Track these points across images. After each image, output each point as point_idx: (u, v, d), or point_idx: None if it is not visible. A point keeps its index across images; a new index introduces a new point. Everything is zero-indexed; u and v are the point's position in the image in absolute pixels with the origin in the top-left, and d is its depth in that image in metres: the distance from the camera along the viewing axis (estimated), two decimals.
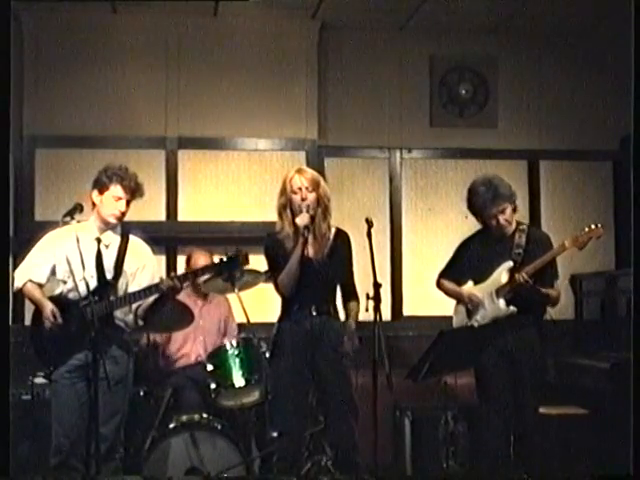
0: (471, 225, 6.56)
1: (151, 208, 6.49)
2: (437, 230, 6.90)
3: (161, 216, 6.55)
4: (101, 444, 4.17)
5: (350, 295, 4.59)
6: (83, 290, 4.21)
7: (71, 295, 4.34)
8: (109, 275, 4.35)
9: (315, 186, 4.48)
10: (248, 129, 6.66)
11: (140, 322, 4.48)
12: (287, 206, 4.48)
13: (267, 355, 5.04)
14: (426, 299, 6.72)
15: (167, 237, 6.40)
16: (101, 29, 6.49)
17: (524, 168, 6.96)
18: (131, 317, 4.44)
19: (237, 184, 6.65)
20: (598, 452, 5.29)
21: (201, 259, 5.77)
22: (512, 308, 4.77)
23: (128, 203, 4.41)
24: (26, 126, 6.37)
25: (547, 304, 4.87)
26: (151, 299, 4.39)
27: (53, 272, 4.40)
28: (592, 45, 6.88)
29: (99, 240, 4.35)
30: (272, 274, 4.56)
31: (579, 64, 6.97)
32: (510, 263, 4.80)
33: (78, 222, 4.24)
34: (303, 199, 4.43)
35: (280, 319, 4.55)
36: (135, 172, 4.53)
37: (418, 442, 5.66)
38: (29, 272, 4.40)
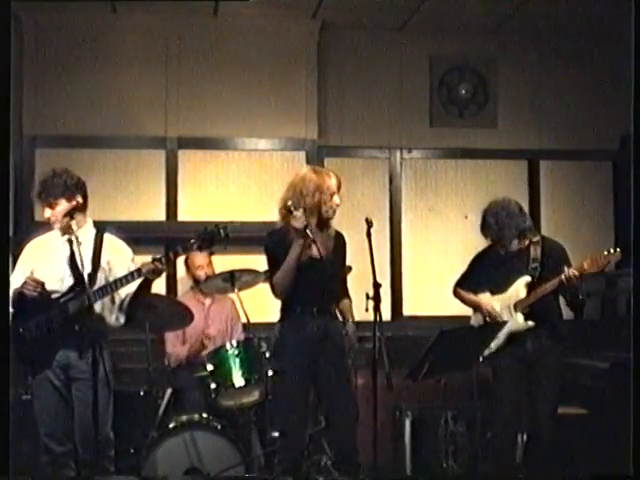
0: (471, 225, 6.56)
1: (151, 208, 6.51)
2: (437, 230, 6.90)
3: (161, 216, 6.55)
4: (89, 445, 4.20)
5: (343, 294, 4.61)
6: (62, 289, 4.29)
7: (51, 297, 4.33)
8: (86, 272, 4.27)
9: (339, 189, 4.51)
10: (248, 129, 6.66)
11: (122, 319, 4.44)
12: (317, 205, 4.40)
13: (267, 355, 5.06)
14: (426, 299, 6.74)
15: (167, 237, 6.40)
16: (101, 29, 6.49)
17: (524, 168, 6.96)
18: (114, 316, 4.41)
19: (237, 184, 6.65)
20: (598, 452, 5.29)
21: (198, 257, 5.80)
22: (530, 323, 4.84)
23: (78, 198, 4.40)
24: (26, 126, 6.38)
25: (576, 307, 4.93)
26: (133, 289, 4.35)
27: None
28: (592, 45, 6.88)
29: (70, 241, 4.33)
30: (272, 272, 4.54)
31: (579, 64, 6.97)
32: (528, 278, 4.86)
33: (78, 223, 4.27)
34: (337, 204, 4.44)
35: (281, 319, 4.53)
36: (61, 172, 4.48)
37: (418, 442, 5.66)
38: (12, 284, 4.39)
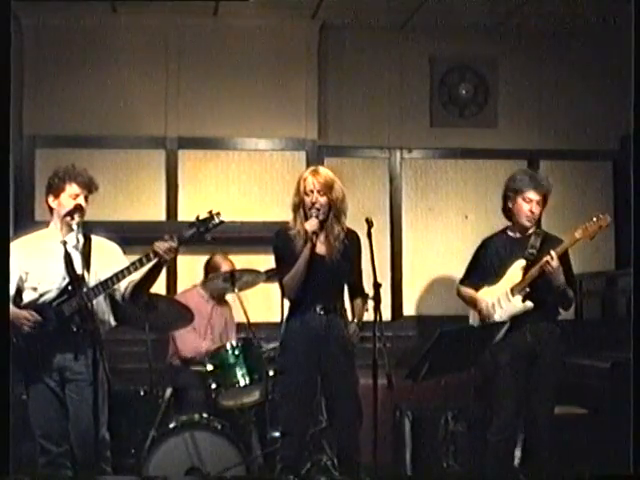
0: (471, 225, 6.56)
1: (151, 208, 6.51)
2: (437, 230, 6.90)
3: (161, 216, 6.55)
4: (84, 446, 4.19)
5: (357, 292, 4.63)
6: (56, 292, 4.24)
7: (44, 299, 4.28)
8: (80, 273, 4.21)
9: (327, 189, 4.47)
10: (248, 129, 6.66)
11: (113, 322, 4.42)
12: (300, 206, 4.49)
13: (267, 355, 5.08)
14: (426, 299, 6.73)
15: None
16: (101, 29, 6.49)
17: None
18: (107, 315, 4.38)
19: (237, 184, 6.65)
20: (598, 452, 5.29)
21: (224, 264, 5.77)
22: (528, 303, 4.79)
23: (86, 199, 4.35)
24: (26, 126, 6.38)
25: (564, 300, 4.88)
26: (126, 288, 4.32)
27: (21, 282, 4.32)
28: (592, 45, 6.87)
29: (65, 242, 4.29)
30: (279, 271, 4.58)
31: (579, 64, 6.97)
32: (523, 262, 4.84)
33: (77, 223, 4.24)
34: (313, 202, 4.45)
35: (287, 318, 4.57)
36: (85, 168, 4.44)
37: (418, 442, 5.66)
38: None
